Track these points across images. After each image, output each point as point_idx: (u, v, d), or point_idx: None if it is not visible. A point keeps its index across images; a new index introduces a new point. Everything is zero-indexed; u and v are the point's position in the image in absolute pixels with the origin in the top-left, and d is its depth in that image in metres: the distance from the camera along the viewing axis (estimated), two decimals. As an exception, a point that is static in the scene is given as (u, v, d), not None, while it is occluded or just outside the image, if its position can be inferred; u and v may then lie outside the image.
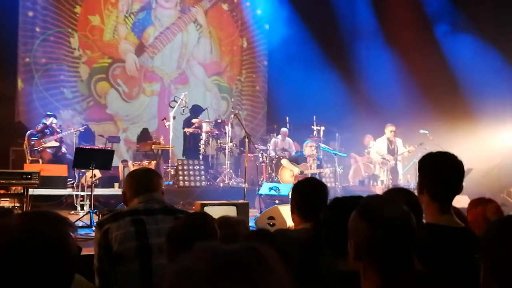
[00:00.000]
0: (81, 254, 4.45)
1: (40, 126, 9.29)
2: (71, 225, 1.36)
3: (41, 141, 9.13)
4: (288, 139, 11.20)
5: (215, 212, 5.68)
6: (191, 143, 10.69)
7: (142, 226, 2.53)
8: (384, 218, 1.54)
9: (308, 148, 9.33)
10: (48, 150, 9.22)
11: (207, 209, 5.71)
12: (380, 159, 10.13)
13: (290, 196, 2.95)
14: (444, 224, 2.22)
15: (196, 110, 10.97)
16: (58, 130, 9.41)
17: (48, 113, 9.71)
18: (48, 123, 9.36)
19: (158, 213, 2.61)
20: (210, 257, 0.87)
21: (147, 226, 2.53)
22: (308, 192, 2.79)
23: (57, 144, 9.25)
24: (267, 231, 2.34)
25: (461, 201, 3.59)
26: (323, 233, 2.01)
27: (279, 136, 11.04)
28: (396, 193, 2.38)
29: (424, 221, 2.29)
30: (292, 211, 2.83)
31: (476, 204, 3.13)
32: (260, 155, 9.88)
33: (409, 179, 10.00)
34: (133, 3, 12.25)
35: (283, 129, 11.16)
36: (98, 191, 8.40)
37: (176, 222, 2.26)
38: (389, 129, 10.05)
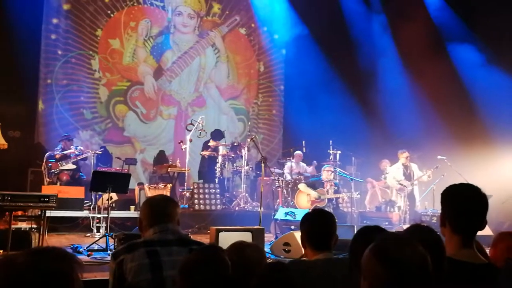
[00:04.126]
0: (97, 278, 4.45)
1: (59, 153, 9.32)
2: (77, 262, 1.36)
3: (58, 163, 9.22)
4: (301, 163, 11.15)
5: (230, 237, 5.66)
6: (208, 166, 10.73)
7: (157, 257, 2.53)
8: (399, 260, 1.52)
9: (326, 173, 9.27)
10: (65, 172, 9.30)
11: (222, 235, 5.69)
12: (397, 185, 10.02)
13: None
14: (465, 259, 2.16)
15: (217, 135, 11.04)
16: (76, 152, 9.47)
17: (64, 135, 9.79)
18: (65, 147, 9.44)
19: (172, 244, 2.61)
20: None
21: (161, 258, 2.53)
22: (318, 223, 2.82)
23: (74, 166, 9.32)
24: (283, 266, 2.29)
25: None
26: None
27: (293, 160, 11.00)
28: (414, 232, 2.32)
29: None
30: (304, 245, 2.84)
31: (503, 238, 3.03)
32: (276, 179, 9.84)
33: (426, 205, 9.85)
34: (152, 27, 12.47)
35: (297, 152, 11.12)
36: (114, 214, 8.45)
37: (188, 256, 2.25)
38: (404, 155, 9.98)
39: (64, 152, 9.29)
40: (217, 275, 2.12)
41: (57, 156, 9.26)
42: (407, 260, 1.53)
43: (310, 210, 3.10)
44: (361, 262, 1.61)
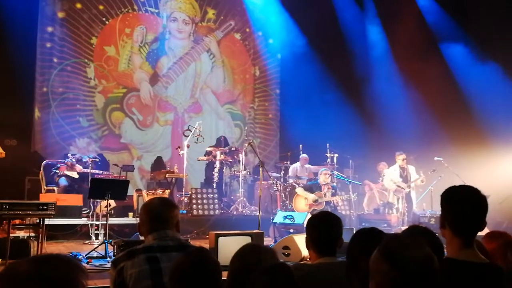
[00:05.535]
0: (98, 286, 4.45)
1: (64, 166, 9.39)
2: (81, 269, 1.33)
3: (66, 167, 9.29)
4: (308, 165, 11.13)
5: (230, 242, 5.66)
6: (207, 172, 10.78)
7: (157, 264, 2.54)
8: (407, 260, 1.54)
9: (323, 176, 9.28)
10: (65, 177, 9.29)
11: (221, 240, 5.69)
12: (394, 187, 10.04)
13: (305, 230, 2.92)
14: (467, 259, 2.17)
15: (221, 143, 11.09)
16: (77, 164, 9.49)
17: (68, 160, 9.83)
18: (68, 162, 9.49)
19: (172, 250, 2.61)
20: None
21: (161, 264, 2.54)
22: (323, 227, 2.80)
23: (77, 176, 9.35)
24: (287, 268, 2.24)
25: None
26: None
27: (298, 163, 11.00)
28: (412, 234, 2.33)
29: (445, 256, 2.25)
30: (308, 247, 2.82)
31: (491, 238, 3.05)
32: (274, 183, 9.85)
33: (424, 207, 9.87)
34: (147, 33, 12.49)
35: (303, 155, 11.10)
36: (113, 220, 8.44)
37: (176, 261, 2.23)
38: (400, 158, 10.01)
39: (67, 173, 9.35)
40: (206, 278, 2.12)
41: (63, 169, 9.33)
42: (414, 260, 1.54)
43: (317, 213, 3.04)
44: (369, 262, 1.62)
